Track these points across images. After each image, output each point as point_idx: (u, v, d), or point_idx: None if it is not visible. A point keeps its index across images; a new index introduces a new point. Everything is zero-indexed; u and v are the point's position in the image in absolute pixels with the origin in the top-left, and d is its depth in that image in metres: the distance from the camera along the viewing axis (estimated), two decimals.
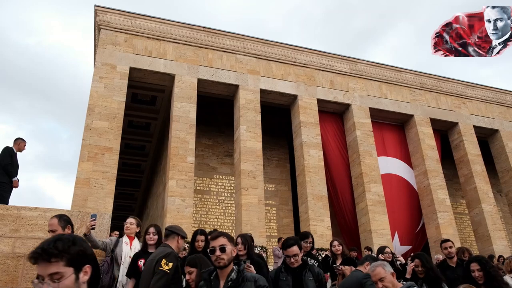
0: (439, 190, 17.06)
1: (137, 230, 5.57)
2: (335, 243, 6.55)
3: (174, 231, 4.35)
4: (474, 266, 4.45)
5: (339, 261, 6.13)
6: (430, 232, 16.69)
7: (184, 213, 12.70)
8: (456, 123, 19.19)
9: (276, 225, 16.76)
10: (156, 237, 5.04)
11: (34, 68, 68.39)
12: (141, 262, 4.83)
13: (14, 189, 8.05)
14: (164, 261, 3.87)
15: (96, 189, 12.19)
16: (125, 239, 5.39)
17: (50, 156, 76.19)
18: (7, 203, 7.57)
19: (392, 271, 3.70)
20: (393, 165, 17.82)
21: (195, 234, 5.39)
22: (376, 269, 3.63)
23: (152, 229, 5.11)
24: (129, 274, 4.91)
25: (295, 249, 4.38)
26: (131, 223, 5.49)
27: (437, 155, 17.95)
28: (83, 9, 72.33)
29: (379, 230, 15.24)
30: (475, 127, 19.47)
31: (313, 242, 6.11)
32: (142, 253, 5.00)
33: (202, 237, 5.30)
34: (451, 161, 19.56)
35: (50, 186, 76.65)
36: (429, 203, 17.03)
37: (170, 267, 3.86)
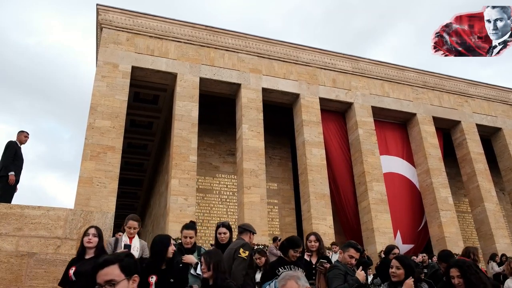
0: (442, 189, 17.04)
1: (138, 229, 5.59)
2: (312, 237, 5.59)
3: (247, 229, 5.05)
4: (454, 272, 4.01)
5: (313, 258, 5.44)
6: (433, 230, 16.68)
7: (186, 212, 12.74)
8: (459, 122, 19.15)
9: (278, 224, 16.80)
10: (96, 239, 4.40)
11: (34, 68, 68.51)
12: (71, 270, 4.20)
13: (12, 185, 7.97)
14: (241, 249, 4.60)
15: (99, 188, 12.25)
16: (124, 238, 5.40)
17: (51, 156, 76.43)
18: (9, 200, 7.62)
19: (308, 285, 2.81)
20: (396, 164, 17.80)
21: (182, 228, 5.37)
22: (288, 282, 2.70)
23: (92, 230, 4.45)
24: (60, 283, 4.31)
25: None
26: (134, 227, 5.38)
27: (439, 153, 17.93)
28: (83, 9, 72.40)
29: (381, 228, 15.25)
30: (477, 125, 19.41)
31: (303, 252, 5.25)
32: (77, 259, 4.37)
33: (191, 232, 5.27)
34: (454, 160, 19.52)
35: (51, 185, 76.89)
36: (431, 201, 17.01)
37: (247, 254, 4.58)
